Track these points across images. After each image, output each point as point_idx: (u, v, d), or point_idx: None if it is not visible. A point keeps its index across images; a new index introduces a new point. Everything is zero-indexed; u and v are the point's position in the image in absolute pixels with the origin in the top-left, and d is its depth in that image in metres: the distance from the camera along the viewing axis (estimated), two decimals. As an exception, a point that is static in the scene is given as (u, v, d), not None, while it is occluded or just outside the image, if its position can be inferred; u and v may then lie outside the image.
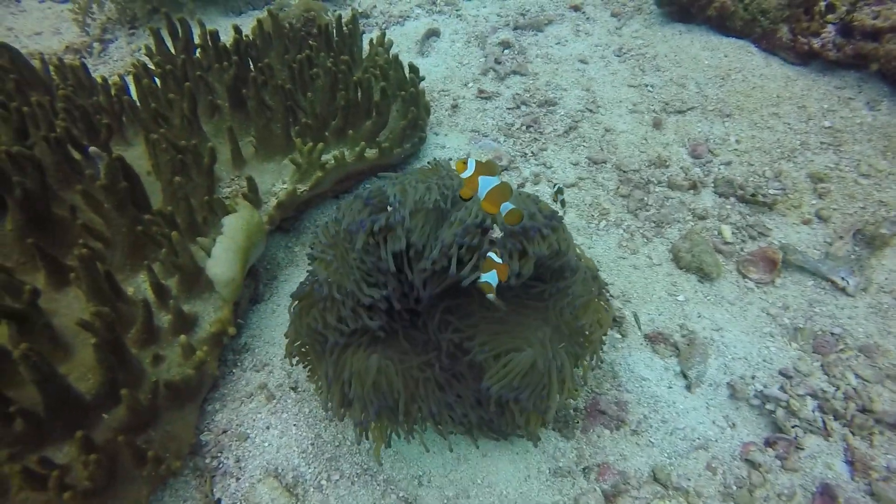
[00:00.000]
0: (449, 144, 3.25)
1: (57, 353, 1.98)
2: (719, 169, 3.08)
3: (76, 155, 2.38)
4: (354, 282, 1.73)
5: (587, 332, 1.92)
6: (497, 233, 1.77)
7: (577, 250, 2.05)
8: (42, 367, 1.67)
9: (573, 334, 1.91)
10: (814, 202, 2.92)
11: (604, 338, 2.07)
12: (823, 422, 2.21)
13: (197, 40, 3.10)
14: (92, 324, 1.79)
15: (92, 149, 2.23)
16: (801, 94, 3.33)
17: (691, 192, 2.99)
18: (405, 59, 3.83)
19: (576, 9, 4.22)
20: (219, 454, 2.11)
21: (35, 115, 2.30)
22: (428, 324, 1.94)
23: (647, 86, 3.54)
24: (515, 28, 4.06)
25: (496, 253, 1.70)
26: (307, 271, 2.02)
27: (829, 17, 3.22)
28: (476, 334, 1.85)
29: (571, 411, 2.29)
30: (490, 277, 1.67)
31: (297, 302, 1.92)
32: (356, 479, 2.07)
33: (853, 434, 2.18)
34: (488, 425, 1.99)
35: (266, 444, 2.12)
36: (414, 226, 1.70)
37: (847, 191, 2.93)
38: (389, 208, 1.76)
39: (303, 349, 1.97)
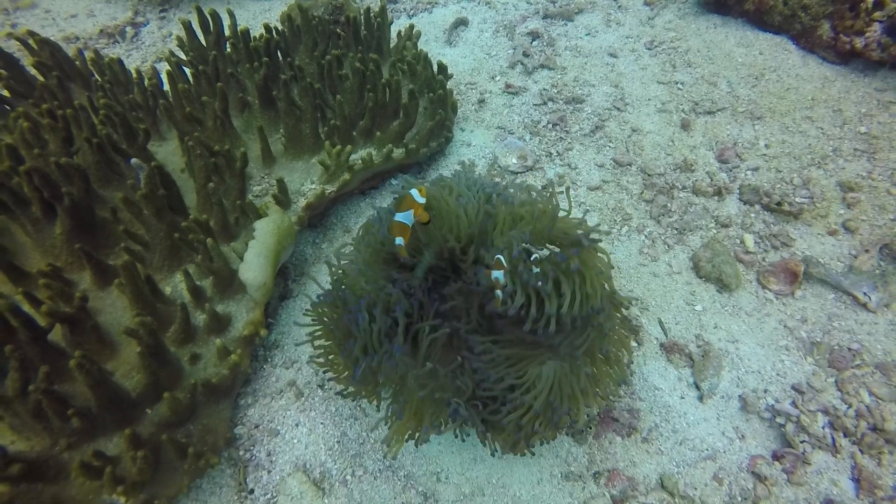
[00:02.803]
0: (475, 142, 3.27)
1: (104, 351, 2.13)
2: (746, 175, 3.05)
3: (115, 157, 2.48)
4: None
5: (611, 359, 1.95)
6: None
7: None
8: (94, 372, 1.81)
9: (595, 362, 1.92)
10: (842, 212, 2.89)
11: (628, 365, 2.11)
12: (833, 439, 2.27)
13: (227, 31, 3.14)
14: (137, 331, 1.91)
15: (134, 160, 2.32)
16: (838, 96, 3.23)
17: (716, 198, 2.98)
18: (433, 49, 3.83)
19: (608, -5, 4.11)
20: (251, 447, 2.26)
21: (78, 118, 2.39)
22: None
23: (677, 83, 3.48)
24: (545, 17, 3.98)
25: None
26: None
27: (877, 14, 3.09)
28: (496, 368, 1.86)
29: (585, 417, 2.38)
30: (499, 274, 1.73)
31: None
32: (378, 475, 2.21)
33: (862, 452, 2.23)
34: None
35: (295, 441, 2.26)
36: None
37: (878, 201, 2.89)
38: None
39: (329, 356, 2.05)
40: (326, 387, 2.45)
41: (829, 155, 3.05)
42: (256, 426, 2.33)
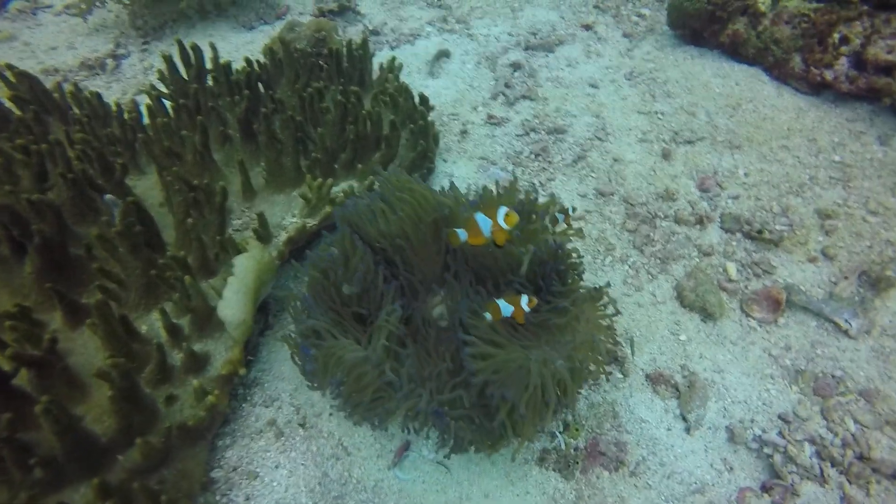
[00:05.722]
0: (457, 173, 3.28)
1: (74, 394, 2.06)
2: (727, 203, 3.08)
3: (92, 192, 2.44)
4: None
5: (589, 348, 1.96)
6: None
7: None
8: (61, 418, 1.74)
9: (572, 350, 1.93)
10: (820, 239, 2.93)
11: (607, 349, 2.11)
12: (821, 469, 2.25)
13: (209, 64, 3.13)
14: (109, 373, 1.85)
15: (108, 196, 2.29)
16: (812, 126, 3.31)
17: (698, 227, 3.01)
18: (415, 81, 3.86)
19: (587, 28, 4.20)
20: (229, 491, 2.18)
21: (53, 153, 2.36)
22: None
23: (657, 113, 3.54)
24: (526, 48, 4.05)
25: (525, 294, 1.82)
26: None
27: (843, 49, 3.19)
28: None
29: (572, 451, 2.34)
30: (504, 308, 1.79)
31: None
32: (361, 518, 2.14)
33: (850, 482, 2.22)
34: (473, 423, 1.94)
35: (275, 484, 2.19)
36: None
37: (854, 228, 2.93)
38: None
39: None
40: (308, 425, 2.38)
41: (805, 183, 3.11)
42: (234, 469, 2.25)
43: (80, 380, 2.08)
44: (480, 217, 1.72)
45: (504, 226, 1.71)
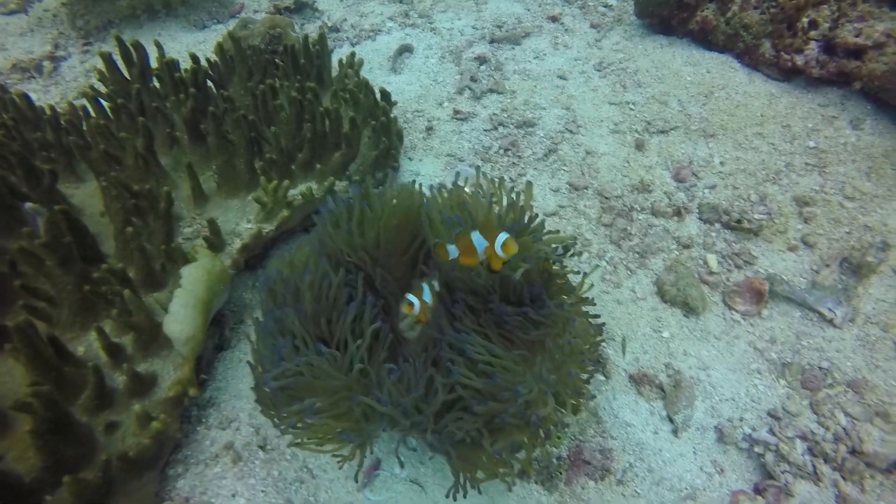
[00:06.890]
0: (424, 171, 3.11)
1: (-4, 429, 1.83)
2: (704, 193, 2.99)
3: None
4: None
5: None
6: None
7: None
8: (-28, 459, 1.52)
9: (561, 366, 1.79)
10: (799, 227, 2.85)
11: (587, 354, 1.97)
12: (814, 466, 2.14)
13: (154, 63, 2.91)
14: (29, 404, 1.63)
15: (29, 205, 2.05)
16: (786, 112, 3.25)
17: (675, 218, 2.90)
18: (377, 77, 3.70)
19: (554, 19, 4.09)
20: (180, 527, 1.97)
21: (-30, 161, 2.12)
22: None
23: (628, 103, 3.43)
24: (492, 41, 3.92)
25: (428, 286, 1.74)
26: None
27: (812, 33, 3.14)
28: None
29: (554, 460, 2.19)
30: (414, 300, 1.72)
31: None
32: (329, 549, 1.95)
33: (844, 479, 2.12)
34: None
35: (231, 516, 1.99)
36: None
37: (833, 214, 2.86)
38: None
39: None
40: (268, 447, 2.18)
41: (782, 170, 3.03)
42: (187, 500, 2.04)
43: (2, 412, 1.85)
44: (476, 237, 1.58)
45: (501, 254, 1.57)
